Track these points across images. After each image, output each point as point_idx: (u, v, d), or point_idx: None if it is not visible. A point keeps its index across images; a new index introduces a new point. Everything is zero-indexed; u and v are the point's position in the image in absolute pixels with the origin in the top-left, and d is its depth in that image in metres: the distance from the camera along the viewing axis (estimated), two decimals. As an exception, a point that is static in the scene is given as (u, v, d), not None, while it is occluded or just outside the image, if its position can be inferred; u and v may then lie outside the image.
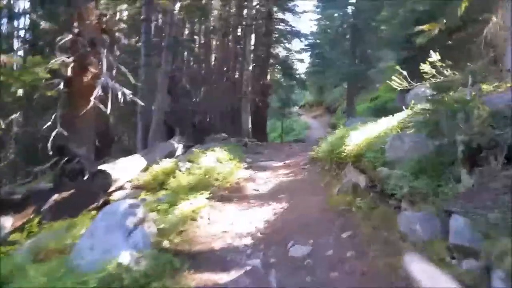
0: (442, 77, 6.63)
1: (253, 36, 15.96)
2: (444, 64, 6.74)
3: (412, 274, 2.79)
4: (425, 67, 6.55)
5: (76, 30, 8.25)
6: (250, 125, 16.22)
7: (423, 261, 2.83)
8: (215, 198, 6.57)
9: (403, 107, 8.66)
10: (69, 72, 7.43)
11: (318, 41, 25.14)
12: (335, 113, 30.49)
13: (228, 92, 20.62)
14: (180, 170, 8.04)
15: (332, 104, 32.72)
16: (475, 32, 8.75)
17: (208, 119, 19.95)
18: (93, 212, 5.71)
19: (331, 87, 35.25)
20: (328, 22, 27.87)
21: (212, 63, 22.82)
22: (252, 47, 16.18)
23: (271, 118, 27.25)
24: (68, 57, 7.79)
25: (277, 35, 21.87)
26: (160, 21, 15.86)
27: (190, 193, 6.46)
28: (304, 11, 22.29)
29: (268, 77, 22.60)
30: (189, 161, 8.66)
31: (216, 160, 8.76)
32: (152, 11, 12.60)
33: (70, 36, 7.80)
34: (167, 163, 8.55)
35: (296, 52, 25.17)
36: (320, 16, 30.60)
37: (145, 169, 8.89)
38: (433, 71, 6.61)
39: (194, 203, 5.87)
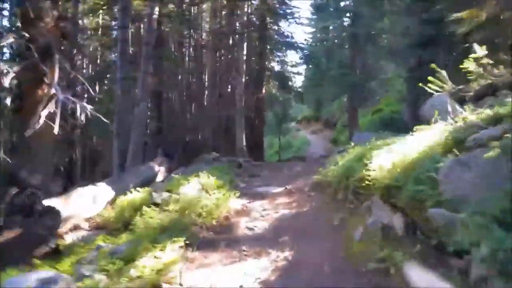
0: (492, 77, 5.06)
1: (245, 45, 14.45)
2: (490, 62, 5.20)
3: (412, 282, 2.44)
4: (469, 65, 4.97)
5: (26, 34, 6.71)
6: (244, 143, 14.60)
7: (423, 269, 2.47)
8: (195, 245, 4.86)
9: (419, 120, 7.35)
10: (6, 83, 5.77)
11: (313, 52, 23.79)
12: (335, 127, 28.96)
13: (221, 107, 19.06)
14: (154, 203, 6.35)
15: (331, 118, 31.23)
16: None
17: (200, 137, 18.32)
18: None
19: (329, 101, 33.86)
20: (324, 35, 26.68)
21: (204, 77, 21.32)
22: (245, 57, 14.68)
23: (268, 134, 25.68)
24: (9, 66, 6.18)
25: (271, 46, 20.39)
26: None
27: (161, 237, 4.77)
28: (297, 19, 20.79)
29: (264, 91, 21.08)
30: (168, 190, 6.96)
31: (201, 188, 7.05)
32: (129, 16, 11.06)
33: (12, 39, 6.19)
34: (138, 194, 6.85)
35: (292, 66, 23.76)
36: (315, 29, 29.53)
37: (114, 201, 7.19)
38: (480, 70, 5.03)
39: (163, 257, 4.17)
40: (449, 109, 11.33)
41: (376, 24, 20.85)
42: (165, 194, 6.69)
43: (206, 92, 21.40)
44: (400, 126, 15.11)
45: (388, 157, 4.90)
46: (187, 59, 19.70)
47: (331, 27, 26.73)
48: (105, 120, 6.82)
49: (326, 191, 7.23)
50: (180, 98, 17.12)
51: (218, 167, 10.15)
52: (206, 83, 21.54)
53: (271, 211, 6.64)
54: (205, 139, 16.57)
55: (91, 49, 15.76)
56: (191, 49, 20.49)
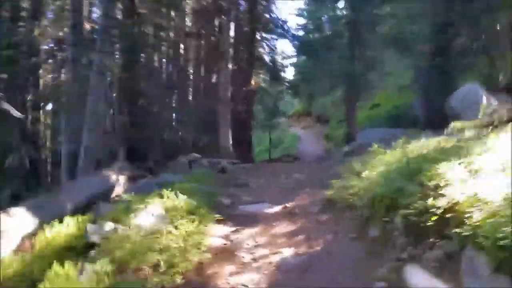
0: None
1: (232, 27, 12.04)
2: None
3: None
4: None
5: None
6: (230, 141, 12.28)
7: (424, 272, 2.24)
8: None
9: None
10: None
11: (308, 41, 21.45)
12: (328, 123, 26.78)
13: (205, 100, 16.68)
14: (89, 245, 4.04)
15: (323, 114, 29.03)
16: None
17: (180, 134, 15.91)
18: None
19: (322, 95, 31.65)
20: (319, 23, 24.39)
21: (187, 65, 18.86)
22: (232, 41, 12.29)
23: (256, 130, 23.38)
24: None
25: (261, 29, 18.00)
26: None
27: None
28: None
29: (253, 82, 18.72)
30: (113, 220, 4.61)
31: (164, 214, 4.74)
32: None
33: None
34: (69, 226, 4.50)
35: (284, 58, 21.38)
36: (307, 20, 27.23)
37: (37, 234, 4.83)
38: None
39: None
40: (484, 101, 9.19)
41: (376, 10, 18.75)
42: (108, 226, 4.36)
43: (190, 84, 19.01)
44: (410, 122, 12.97)
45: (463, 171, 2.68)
46: (166, 44, 17.17)
47: (325, 16, 24.54)
48: (18, 114, 4.40)
49: (345, 215, 5.00)
50: (157, 89, 14.65)
51: (196, 175, 7.85)
52: (190, 72, 19.13)
53: (267, 250, 4.39)
54: (185, 137, 14.15)
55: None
56: (171, 33, 17.97)
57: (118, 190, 7.34)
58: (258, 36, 19.52)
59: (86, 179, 6.78)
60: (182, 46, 19.55)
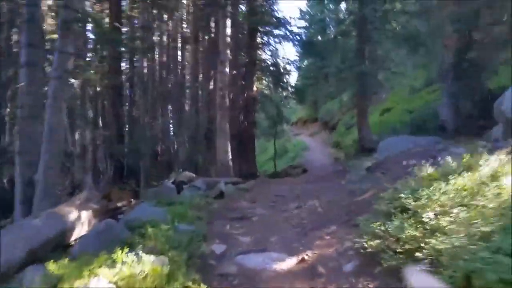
0: None
1: (228, 23, 10.24)
2: None
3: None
4: None
5: None
6: (229, 156, 10.44)
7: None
8: None
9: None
10: None
11: (313, 43, 19.62)
12: (335, 129, 24.89)
13: (201, 109, 14.93)
14: None
15: (330, 119, 27.16)
16: None
17: (176, 147, 14.10)
18: None
19: (328, 99, 29.79)
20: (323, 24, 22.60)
21: (181, 71, 17.13)
22: (229, 40, 10.49)
23: (260, 138, 21.54)
24: None
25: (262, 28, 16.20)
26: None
27: None
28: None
29: (255, 88, 16.93)
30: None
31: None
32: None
33: None
34: None
35: (287, 63, 19.52)
36: (307, 23, 25.49)
37: None
38: None
39: None
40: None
41: (386, 5, 16.96)
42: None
43: (186, 92, 17.27)
44: (433, 128, 11.07)
45: None
46: (158, 49, 15.44)
47: (330, 16, 22.82)
48: None
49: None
50: (145, 97, 12.90)
51: (183, 205, 6.02)
52: (187, 79, 17.40)
53: None
54: (179, 151, 12.34)
55: None
56: (164, 37, 16.27)
57: (80, 231, 5.51)
58: (259, 39, 17.78)
59: (29, 222, 4.96)
60: (179, 52, 17.92)
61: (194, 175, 9.53)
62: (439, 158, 7.12)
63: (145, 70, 15.08)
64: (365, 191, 5.95)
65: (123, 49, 11.83)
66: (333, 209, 5.44)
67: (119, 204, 8.86)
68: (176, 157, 12.66)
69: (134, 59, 15.70)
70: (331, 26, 21.32)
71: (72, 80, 8.95)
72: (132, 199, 9.10)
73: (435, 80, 18.83)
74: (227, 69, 10.50)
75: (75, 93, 9.99)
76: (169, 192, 7.24)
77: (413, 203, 3.71)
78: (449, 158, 5.42)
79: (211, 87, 14.54)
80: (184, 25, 17.61)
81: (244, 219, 5.85)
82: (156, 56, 16.72)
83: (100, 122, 14.12)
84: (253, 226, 5.45)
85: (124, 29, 14.35)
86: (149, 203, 6.41)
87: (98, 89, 14.50)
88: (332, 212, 5.32)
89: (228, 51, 10.59)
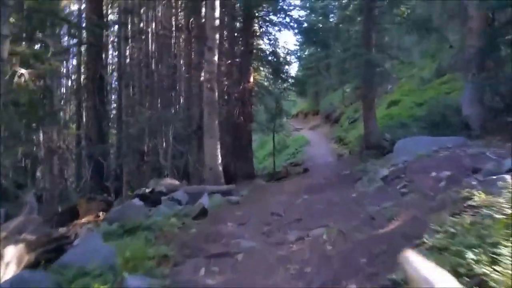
0: None
1: (217, 3, 8.48)
2: None
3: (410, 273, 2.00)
4: None
5: None
6: (219, 158, 8.78)
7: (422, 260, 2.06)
8: None
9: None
10: None
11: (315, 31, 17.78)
12: (337, 123, 23.21)
13: (194, 103, 13.30)
14: None
15: (332, 112, 25.46)
16: None
17: (163, 147, 12.46)
18: None
19: (329, 91, 28.08)
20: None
21: (172, 61, 15.42)
22: (217, 22, 8.74)
23: (258, 132, 19.85)
24: None
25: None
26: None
27: None
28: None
29: (252, 79, 15.24)
30: None
31: None
32: None
33: None
34: None
35: (287, 53, 17.63)
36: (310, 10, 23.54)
37: None
38: None
39: None
40: None
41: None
42: None
43: (177, 86, 15.59)
44: (455, 125, 9.38)
45: None
46: (143, 37, 13.72)
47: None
48: None
49: None
50: (127, 90, 11.25)
51: (141, 240, 4.45)
52: (179, 71, 15.69)
53: None
54: (167, 151, 10.73)
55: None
56: (153, 24, 14.54)
57: (2, 276, 3.92)
58: (256, 27, 16.05)
59: None
60: (173, 41, 16.19)
61: (177, 182, 7.97)
62: (479, 167, 5.55)
63: (130, 60, 13.38)
64: (389, 218, 4.34)
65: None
66: (349, 248, 3.83)
67: (84, 220, 7.32)
68: (165, 158, 11.06)
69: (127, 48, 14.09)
70: (333, 13, 19.44)
71: (22, 71, 7.34)
72: (102, 213, 7.53)
73: (447, 70, 17.17)
74: (215, 57, 8.83)
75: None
76: (137, 211, 5.66)
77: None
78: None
79: (202, 78, 12.88)
80: (176, 11, 15.82)
81: (226, 256, 4.26)
82: (148, 45, 15.01)
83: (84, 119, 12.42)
84: (237, 272, 3.86)
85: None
86: (106, 230, 4.85)
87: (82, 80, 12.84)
88: (347, 254, 3.71)
89: (217, 36, 8.89)
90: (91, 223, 6.74)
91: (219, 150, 8.75)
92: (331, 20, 19.30)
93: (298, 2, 27.73)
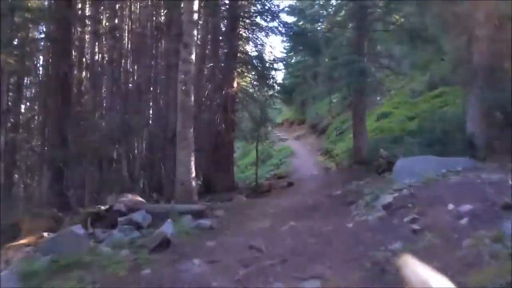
0: None
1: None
2: None
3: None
4: None
5: None
6: (193, 172, 7.49)
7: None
8: None
9: None
10: None
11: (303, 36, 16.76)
12: (324, 133, 22.23)
13: (171, 109, 11.99)
14: None
15: (318, 122, 24.51)
16: None
17: (129, 158, 11.09)
18: None
19: (314, 101, 27.17)
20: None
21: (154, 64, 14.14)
22: (196, 16, 7.61)
23: (240, 140, 18.60)
24: None
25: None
26: None
27: None
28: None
29: (235, 84, 14.10)
30: None
31: None
32: None
33: None
34: None
35: (272, 61, 16.46)
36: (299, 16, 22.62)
37: None
38: None
39: None
40: None
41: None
42: None
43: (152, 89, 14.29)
44: (459, 144, 8.37)
45: None
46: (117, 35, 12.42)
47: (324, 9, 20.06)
48: None
49: None
50: (95, 90, 9.93)
51: (72, 282, 3.18)
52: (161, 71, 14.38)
53: None
54: (132, 161, 9.41)
55: None
56: (129, 21, 13.26)
57: None
58: (243, 32, 14.96)
59: None
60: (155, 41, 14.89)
61: (140, 199, 6.68)
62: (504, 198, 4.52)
63: (101, 59, 12.03)
64: (400, 269, 3.21)
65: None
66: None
67: (24, 241, 5.98)
68: (130, 169, 9.76)
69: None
70: (323, 18, 18.51)
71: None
72: (46, 233, 6.20)
73: (440, 83, 16.42)
74: (193, 56, 7.61)
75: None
76: (76, 243, 4.38)
77: None
78: None
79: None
80: (155, 8, 14.59)
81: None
82: (122, 43, 13.66)
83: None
84: None
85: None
86: (28, 267, 3.59)
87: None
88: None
89: (195, 32, 7.70)
90: (32, 245, 5.43)
91: (193, 163, 7.50)
92: (320, 26, 18.31)
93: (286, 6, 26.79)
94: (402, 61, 18.27)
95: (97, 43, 11.63)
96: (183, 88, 7.41)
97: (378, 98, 20.73)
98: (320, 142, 21.59)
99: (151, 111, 12.13)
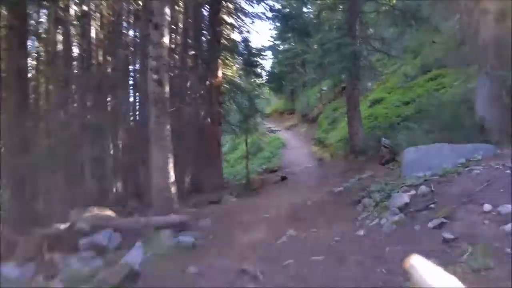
0: None
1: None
2: None
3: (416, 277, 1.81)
4: None
5: None
6: (171, 175, 6.38)
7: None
8: None
9: None
10: None
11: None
12: (316, 123, 21.26)
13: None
14: None
15: (309, 111, 23.54)
16: None
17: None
18: None
19: (304, 89, 26.17)
20: None
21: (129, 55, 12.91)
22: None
23: (229, 133, 17.50)
24: None
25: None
26: None
27: None
28: None
29: (220, 73, 13.01)
30: None
31: None
32: None
33: None
34: None
35: (258, 51, 15.26)
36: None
37: None
38: None
39: None
40: None
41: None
42: None
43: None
44: (469, 130, 7.47)
45: None
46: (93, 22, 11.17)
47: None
48: None
49: None
50: (57, 85, 8.78)
51: None
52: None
53: None
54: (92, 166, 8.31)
55: None
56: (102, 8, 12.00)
57: None
58: (227, 18, 13.82)
59: None
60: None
61: (109, 213, 5.64)
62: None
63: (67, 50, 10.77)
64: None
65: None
66: None
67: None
68: (102, 174, 8.67)
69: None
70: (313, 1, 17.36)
71: None
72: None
73: (434, 66, 15.54)
74: (165, 39, 6.48)
75: None
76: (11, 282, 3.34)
77: None
78: None
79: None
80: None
81: None
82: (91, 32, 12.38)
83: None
84: None
85: None
86: None
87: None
88: None
89: (167, 11, 6.54)
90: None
91: (171, 165, 6.44)
92: (308, 9, 17.20)
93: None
94: (394, 44, 17.36)
95: (61, 31, 10.35)
96: (155, 76, 6.32)
97: (369, 84, 19.81)
98: (312, 131, 20.63)
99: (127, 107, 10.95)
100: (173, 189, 6.46)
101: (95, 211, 5.42)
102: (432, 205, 4.22)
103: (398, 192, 4.84)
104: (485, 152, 5.63)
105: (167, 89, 6.53)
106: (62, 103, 8.58)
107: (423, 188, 4.63)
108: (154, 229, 5.05)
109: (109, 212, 5.66)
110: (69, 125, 8.32)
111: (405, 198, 4.57)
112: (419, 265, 1.85)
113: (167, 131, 6.47)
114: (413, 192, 4.66)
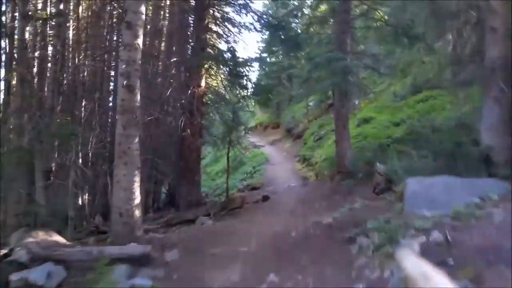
0: None
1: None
2: None
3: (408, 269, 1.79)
4: None
5: None
6: (137, 197, 5.37)
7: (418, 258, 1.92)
8: None
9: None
10: None
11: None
12: (301, 139, 20.50)
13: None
14: None
15: (294, 127, 22.83)
16: None
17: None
18: None
19: (290, 104, 25.51)
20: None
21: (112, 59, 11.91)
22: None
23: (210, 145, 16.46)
24: None
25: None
26: None
27: None
28: None
29: (203, 83, 12.12)
30: None
31: None
32: None
33: None
34: None
35: (245, 62, 14.45)
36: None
37: None
38: None
39: None
40: None
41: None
42: None
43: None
44: (473, 160, 6.75)
45: None
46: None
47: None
48: None
49: None
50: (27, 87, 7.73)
51: None
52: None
53: None
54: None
55: None
56: (79, 7, 11.02)
57: None
58: (214, 27, 13.04)
59: None
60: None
61: (57, 238, 4.62)
62: None
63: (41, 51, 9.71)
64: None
65: None
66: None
67: None
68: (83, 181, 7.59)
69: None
70: (301, 14, 16.74)
71: None
72: None
73: (425, 86, 15.07)
74: (139, 40, 5.57)
75: None
76: None
77: None
78: None
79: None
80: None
81: None
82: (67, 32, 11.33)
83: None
84: None
85: None
86: None
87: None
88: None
89: (143, 9, 5.67)
90: None
91: (137, 184, 5.45)
92: (297, 22, 16.58)
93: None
94: (384, 61, 16.89)
95: (29, 29, 9.32)
96: (125, 82, 5.37)
97: (357, 102, 19.26)
98: (297, 147, 19.87)
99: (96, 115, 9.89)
100: (138, 213, 5.45)
101: (40, 235, 4.38)
102: (448, 258, 3.39)
103: (404, 237, 3.99)
104: (499, 190, 4.89)
105: (138, 97, 5.57)
106: (21, 107, 7.47)
107: (435, 235, 3.79)
108: (109, 262, 4.06)
109: (57, 238, 4.62)
110: (24, 132, 7.21)
111: (412, 245, 3.74)
112: (411, 257, 1.86)
113: (135, 145, 5.49)
114: (423, 238, 3.83)
